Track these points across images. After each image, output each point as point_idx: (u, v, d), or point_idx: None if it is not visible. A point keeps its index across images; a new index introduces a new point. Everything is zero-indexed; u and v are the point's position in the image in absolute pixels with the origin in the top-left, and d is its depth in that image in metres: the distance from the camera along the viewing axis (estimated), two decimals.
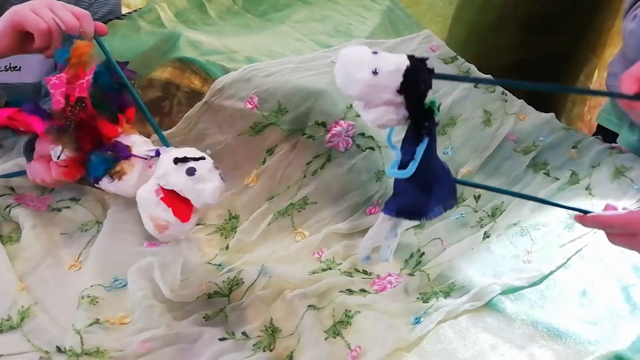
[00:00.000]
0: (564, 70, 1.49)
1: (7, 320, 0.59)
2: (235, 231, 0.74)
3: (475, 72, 1.01)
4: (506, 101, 1.00)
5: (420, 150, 0.49)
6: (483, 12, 1.40)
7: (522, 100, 1.01)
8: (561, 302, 0.68)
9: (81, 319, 0.59)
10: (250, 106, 0.77)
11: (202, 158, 0.56)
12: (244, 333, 0.60)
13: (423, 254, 0.72)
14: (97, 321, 0.59)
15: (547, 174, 0.91)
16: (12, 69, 0.82)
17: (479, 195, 0.84)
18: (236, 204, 0.77)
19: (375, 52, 0.46)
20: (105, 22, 0.92)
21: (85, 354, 0.56)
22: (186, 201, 0.57)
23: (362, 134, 0.79)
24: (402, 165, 0.50)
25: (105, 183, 0.60)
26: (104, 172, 0.59)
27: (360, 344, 0.59)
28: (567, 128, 1.01)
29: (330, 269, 0.70)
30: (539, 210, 0.81)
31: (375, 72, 0.45)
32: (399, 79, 0.45)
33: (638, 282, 0.71)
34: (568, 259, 0.73)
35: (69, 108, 0.56)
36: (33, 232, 0.69)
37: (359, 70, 0.45)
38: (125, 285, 0.64)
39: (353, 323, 0.61)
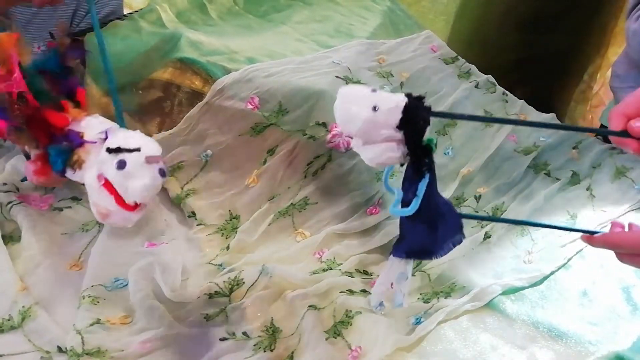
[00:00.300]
0: (567, 69, 1.49)
1: (8, 320, 0.59)
2: (236, 231, 0.74)
3: (476, 73, 1.01)
4: (507, 102, 1.00)
5: (422, 186, 0.49)
6: (487, 8, 1.40)
7: (522, 100, 1.01)
8: (562, 302, 0.68)
9: (82, 319, 0.59)
10: (251, 107, 0.77)
11: (137, 149, 0.52)
12: (244, 333, 0.60)
13: None
14: (98, 321, 0.60)
15: (548, 175, 0.91)
16: None
17: (480, 196, 0.84)
18: (237, 204, 0.77)
19: (374, 90, 0.47)
20: (106, 23, 0.92)
21: (87, 354, 0.56)
22: None
23: None
24: (405, 204, 0.50)
25: (71, 175, 0.57)
26: (62, 165, 0.56)
27: (360, 344, 0.59)
28: None
29: (331, 269, 0.70)
30: (540, 211, 0.82)
31: (375, 109, 0.46)
32: (398, 115, 0.46)
33: (638, 282, 0.71)
34: (569, 260, 0.73)
35: (16, 105, 0.55)
36: (33, 232, 0.69)
37: (358, 108, 0.46)
38: (126, 285, 0.64)
39: (353, 323, 0.61)
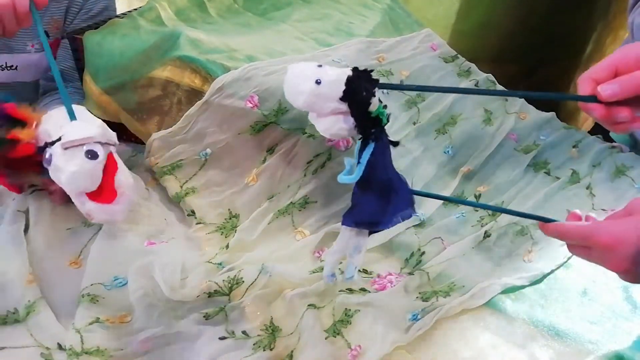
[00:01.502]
0: (569, 65, 1.49)
1: (14, 313, 0.60)
2: (236, 230, 0.74)
3: (476, 71, 1.01)
4: (507, 100, 1.00)
5: (366, 154, 0.51)
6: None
7: (522, 99, 1.01)
8: (562, 301, 0.68)
9: (81, 318, 0.59)
10: (251, 105, 0.77)
11: (58, 139, 0.50)
12: (244, 332, 0.60)
13: (423, 253, 0.72)
14: (97, 320, 0.60)
15: (548, 173, 0.91)
16: (8, 68, 0.81)
17: (480, 195, 0.84)
18: (236, 202, 0.77)
19: (320, 66, 0.50)
20: (105, 20, 0.92)
21: (85, 352, 0.56)
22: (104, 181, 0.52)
23: None
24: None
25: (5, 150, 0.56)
26: (3, 147, 0.55)
27: (360, 343, 0.59)
28: (568, 127, 1.01)
29: None
30: (540, 210, 0.81)
31: (318, 82, 0.49)
32: (341, 87, 0.48)
33: None
34: (569, 258, 0.73)
35: None
36: (41, 225, 0.70)
37: (303, 82, 0.49)
38: (125, 284, 0.64)
39: (353, 322, 0.61)
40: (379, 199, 0.54)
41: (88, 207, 0.52)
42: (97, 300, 0.62)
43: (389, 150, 0.53)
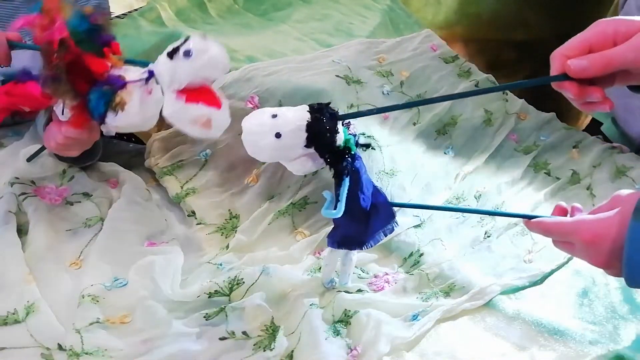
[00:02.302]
0: None
1: (13, 313, 0.60)
2: (236, 231, 0.74)
3: (476, 72, 1.00)
4: (507, 101, 1.00)
5: (344, 191, 0.51)
6: None
7: (522, 99, 1.01)
8: (562, 301, 0.68)
9: (82, 319, 0.60)
10: (251, 105, 0.77)
11: (186, 39, 0.54)
12: (244, 332, 0.60)
13: (422, 254, 0.72)
14: (97, 320, 0.60)
15: (548, 174, 0.91)
16: (2, 67, 0.82)
17: (480, 195, 0.84)
18: (236, 203, 0.77)
19: (274, 116, 0.49)
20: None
21: (86, 353, 0.56)
22: (206, 90, 0.55)
23: (363, 134, 0.78)
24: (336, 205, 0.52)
25: (111, 120, 0.57)
26: (105, 107, 0.56)
27: (360, 344, 0.59)
28: (568, 128, 1.01)
29: None
30: (540, 210, 0.81)
31: (278, 136, 0.48)
32: (303, 135, 0.48)
33: None
34: (569, 259, 0.73)
35: (55, 54, 0.55)
36: (40, 227, 0.70)
37: (262, 138, 0.48)
38: (126, 284, 0.64)
39: (353, 322, 0.61)
40: (360, 220, 0.55)
41: (206, 112, 0.54)
42: (98, 301, 0.62)
43: (364, 169, 0.54)
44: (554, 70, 0.49)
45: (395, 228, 0.57)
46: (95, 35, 0.58)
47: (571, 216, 0.54)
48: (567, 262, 0.73)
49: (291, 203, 0.76)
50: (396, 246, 0.74)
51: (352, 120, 0.77)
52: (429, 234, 0.76)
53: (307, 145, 0.48)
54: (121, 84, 0.56)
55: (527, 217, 0.55)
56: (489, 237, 0.77)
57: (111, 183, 0.80)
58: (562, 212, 0.55)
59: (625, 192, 0.50)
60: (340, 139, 0.49)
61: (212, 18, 0.99)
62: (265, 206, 0.76)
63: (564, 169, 0.92)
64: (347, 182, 0.51)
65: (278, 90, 0.77)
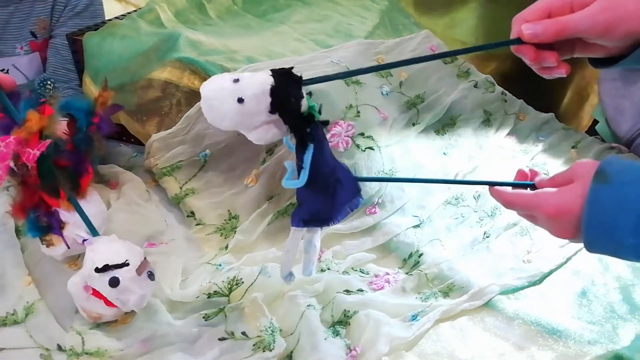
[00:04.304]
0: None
1: (13, 314, 0.60)
2: (235, 231, 0.74)
3: (475, 72, 1.00)
4: (506, 101, 1.00)
5: (308, 157, 0.48)
6: None
7: (521, 100, 1.01)
8: (561, 301, 0.68)
9: (82, 320, 0.60)
10: None
11: (125, 264, 0.55)
12: (243, 333, 0.60)
13: (422, 254, 0.72)
14: (97, 326, 0.60)
15: (547, 174, 0.90)
16: None
17: (479, 195, 0.84)
18: (236, 204, 0.77)
19: (236, 80, 0.45)
20: (88, 16, 0.93)
21: (86, 353, 0.56)
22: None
23: (362, 134, 0.79)
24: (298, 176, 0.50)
25: (36, 240, 0.62)
26: (33, 236, 0.60)
27: (359, 344, 0.59)
28: (567, 128, 1.01)
29: (330, 269, 0.70)
30: None
31: (240, 100, 0.44)
32: (267, 100, 0.45)
33: (637, 282, 0.71)
34: (568, 259, 0.73)
35: (17, 165, 0.56)
36: None
37: (223, 103, 0.45)
38: None
39: (352, 323, 0.61)
40: (325, 195, 0.52)
41: (100, 312, 0.58)
42: None
43: (326, 140, 0.51)
44: (513, 34, 0.50)
45: (360, 202, 0.55)
46: (74, 162, 0.60)
47: (531, 179, 0.54)
48: (566, 262, 0.73)
49: (290, 203, 0.76)
50: (395, 246, 0.74)
51: (350, 121, 0.78)
52: (428, 234, 0.76)
53: (272, 111, 0.45)
54: (56, 232, 0.59)
55: (491, 184, 0.54)
56: (488, 237, 0.77)
57: (111, 184, 0.80)
58: (523, 176, 0.55)
59: (585, 161, 0.50)
60: (304, 104, 0.47)
61: (211, 19, 0.99)
62: (265, 206, 0.76)
63: (563, 169, 0.92)
64: (311, 149, 0.48)
65: None
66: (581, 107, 1.43)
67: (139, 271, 0.55)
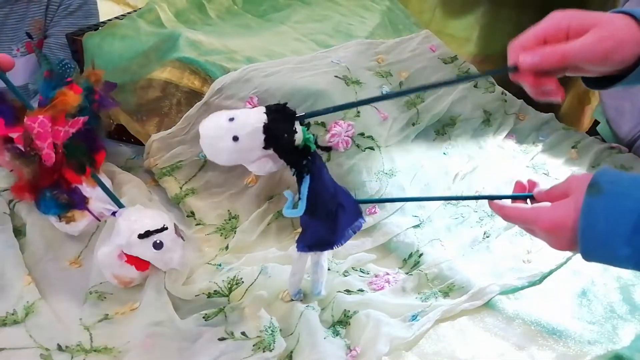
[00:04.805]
0: None
1: (12, 314, 0.60)
2: (235, 231, 0.74)
3: (475, 73, 1.00)
4: (506, 101, 1.00)
5: (305, 188, 0.51)
6: None
7: (521, 100, 1.01)
8: (561, 301, 0.68)
9: (89, 315, 0.61)
10: (250, 106, 0.77)
11: (164, 228, 0.57)
12: (243, 333, 0.60)
13: (422, 254, 0.72)
14: (105, 317, 0.61)
15: (547, 174, 0.91)
16: None
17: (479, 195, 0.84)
18: (236, 204, 0.77)
19: (231, 119, 0.48)
20: (82, 15, 0.92)
21: (94, 350, 0.57)
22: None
23: (362, 134, 0.79)
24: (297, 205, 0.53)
25: (53, 220, 0.62)
26: (53, 214, 0.60)
27: (359, 344, 0.59)
28: (567, 128, 1.01)
29: (330, 269, 0.70)
30: None
31: (235, 139, 0.47)
32: (260, 137, 0.48)
33: (637, 282, 0.71)
34: (568, 259, 0.73)
35: (29, 147, 0.56)
36: (36, 228, 0.70)
37: (219, 141, 0.48)
38: None
39: (352, 323, 0.61)
40: (327, 220, 0.55)
41: (133, 276, 0.61)
42: (105, 297, 0.63)
43: (325, 168, 0.54)
44: (510, 62, 0.51)
45: (362, 224, 0.58)
46: (89, 139, 0.60)
47: (529, 191, 0.56)
48: (565, 262, 0.73)
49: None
50: (395, 246, 0.74)
51: (350, 121, 0.78)
52: (428, 234, 0.76)
53: (266, 147, 0.48)
54: (81, 207, 0.59)
55: (490, 199, 0.56)
56: (488, 237, 0.77)
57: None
58: (521, 188, 0.57)
59: (579, 175, 0.51)
60: (299, 138, 0.49)
61: (211, 19, 0.99)
62: (265, 207, 0.76)
63: (563, 169, 0.92)
64: (307, 180, 0.52)
65: (277, 91, 0.77)
66: (581, 109, 1.43)
67: (178, 233, 0.59)
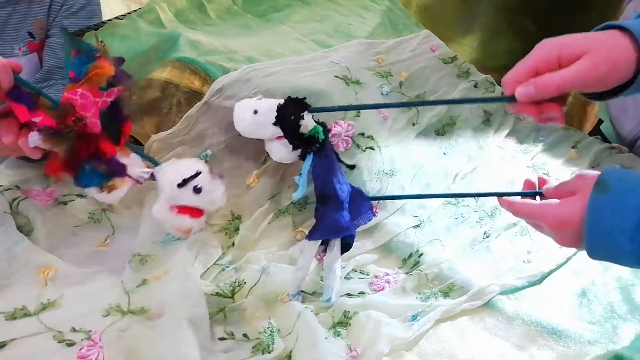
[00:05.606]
0: None
1: (22, 309, 0.60)
2: (238, 232, 0.74)
3: (475, 72, 1.01)
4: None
5: (305, 166, 0.59)
6: None
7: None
8: (561, 301, 0.68)
9: (130, 280, 0.63)
10: None
11: (198, 173, 0.60)
12: (245, 335, 0.60)
13: (422, 254, 0.72)
14: (143, 282, 0.63)
15: (547, 174, 0.91)
16: None
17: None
18: (238, 204, 0.77)
19: (259, 99, 0.61)
20: (85, 16, 0.92)
21: (131, 312, 0.60)
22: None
23: (362, 134, 0.79)
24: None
25: (93, 191, 0.61)
26: (96, 181, 0.60)
27: (359, 344, 0.59)
28: (567, 128, 1.01)
29: None
30: None
31: (255, 112, 0.59)
32: (273, 115, 0.59)
33: (637, 282, 0.71)
34: (568, 259, 0.73)
35: (74, 119, 0.56)
36: (45, 225, 0.71)
37: (244, 112, 0.61)
38: (176, 239, 0.69)
39: (352, 323, 0.61)
40: (337, 210, 0.60)
41: (190, 224, 0.61)
42: (146, 261, 0.66)
43: (336, 165, 0.61)
44: (507, 93, 0.51)
45: (371, 218, 0.64)
46: (117, 111, 0.60)
47: (539, 188, 0.57)
48: (565, 262, 0.73)
49: (291, 202, 0.76)
50: (395, 246, 0.74)
51: (350, 121, 0.78)
52: (428, 234, 0.76)
53: (275, 123, 0.58)
54: (122, 174, 0.60)
55: (500, 195, 0.57)
56: (488, 237, 0.77)
57: None
58: (530, 185, 0.58)
59: (586, 173, 0.52)
60: (305, 126, 0.58)
61: (211, 19, 0.99)
62: (266, 206, 0.76)
63: (563, 169, 0.92)
64: (309, 158, 0.59)
65: (277, 91, 0.77)
66: (583, 110, 1.42)
67: (212, 174, 0.61)
